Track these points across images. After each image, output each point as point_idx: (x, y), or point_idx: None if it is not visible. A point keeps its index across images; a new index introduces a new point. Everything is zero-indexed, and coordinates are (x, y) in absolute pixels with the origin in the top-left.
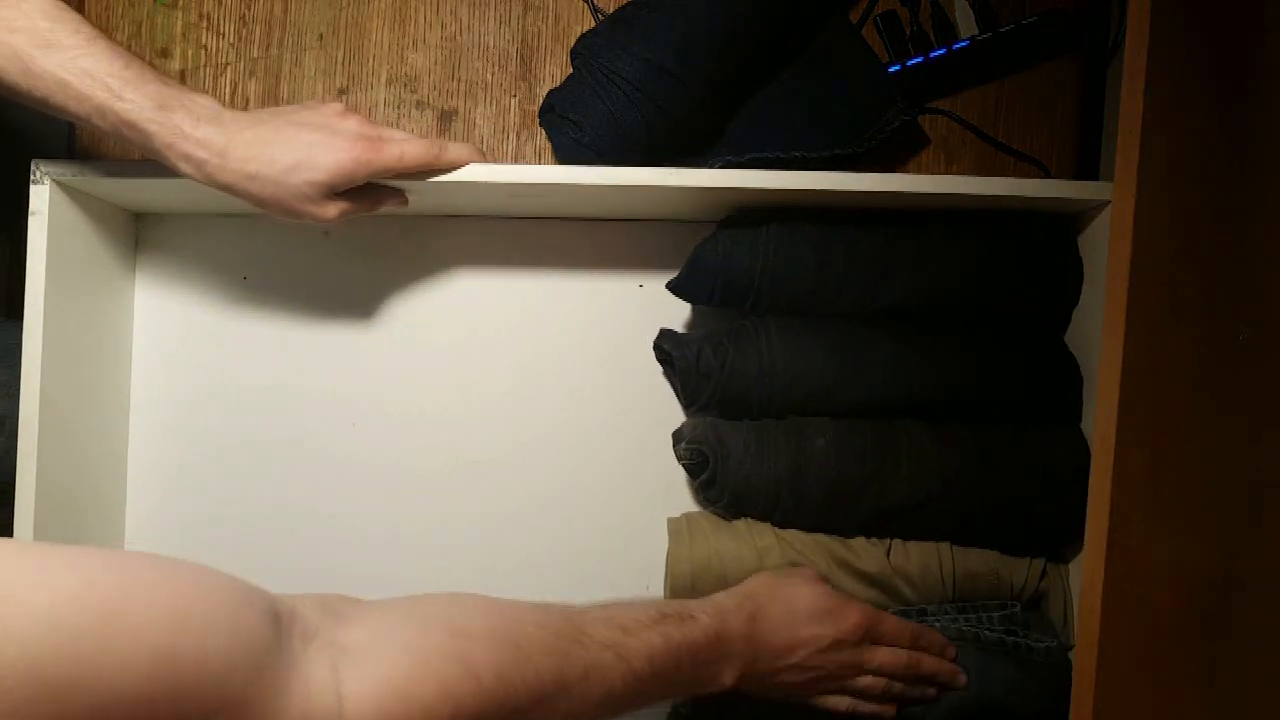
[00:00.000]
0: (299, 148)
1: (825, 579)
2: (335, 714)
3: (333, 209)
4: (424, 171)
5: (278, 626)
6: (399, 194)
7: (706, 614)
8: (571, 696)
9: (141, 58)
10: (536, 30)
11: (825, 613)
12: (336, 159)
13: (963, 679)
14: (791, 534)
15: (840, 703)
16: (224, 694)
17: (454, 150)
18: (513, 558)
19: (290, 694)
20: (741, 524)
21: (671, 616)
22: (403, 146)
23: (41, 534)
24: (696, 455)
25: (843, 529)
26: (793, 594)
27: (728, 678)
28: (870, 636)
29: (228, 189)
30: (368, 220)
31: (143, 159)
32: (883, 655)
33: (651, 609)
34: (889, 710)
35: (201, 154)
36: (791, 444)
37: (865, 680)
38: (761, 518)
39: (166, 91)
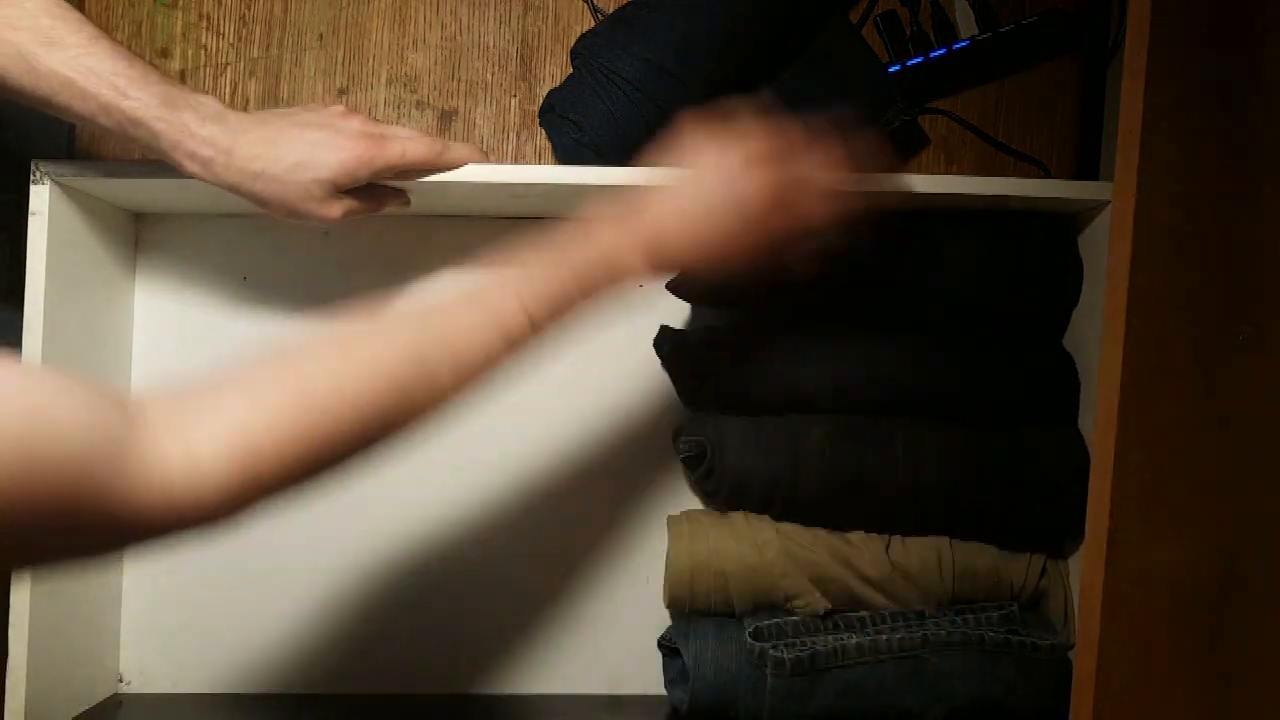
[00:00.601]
0: (303, 146)
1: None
2: (193, 470)
3: (337, 208)
4: (426, 169)
5: (125, 412)
6: (401, 194)
7: (578, 242)
8: (440, 374)
9: (142, 57)
10: (536, 30)
11: (730, 174)
12: (340, 157)
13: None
14: (791, 528)
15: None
16: (85, 476)
17: (456, 149)
18: (513, 556)
19: (147, 469)
20: (741, 520)
21: (540, 253)
22: (405, 144)
23: None
24: (695, 447)
25: (842, 523)
26: (696, 186)
27: (630, 276)
28: (800, 189)
29: (233, 188)
30: (367, 221)
31: (144, 159)
32: (818, 203)
33: (512, 254)
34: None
35: (208, 152)
36: (789, 436)
37: (805, 246)
38: (759, 510)
39: (172, 90)
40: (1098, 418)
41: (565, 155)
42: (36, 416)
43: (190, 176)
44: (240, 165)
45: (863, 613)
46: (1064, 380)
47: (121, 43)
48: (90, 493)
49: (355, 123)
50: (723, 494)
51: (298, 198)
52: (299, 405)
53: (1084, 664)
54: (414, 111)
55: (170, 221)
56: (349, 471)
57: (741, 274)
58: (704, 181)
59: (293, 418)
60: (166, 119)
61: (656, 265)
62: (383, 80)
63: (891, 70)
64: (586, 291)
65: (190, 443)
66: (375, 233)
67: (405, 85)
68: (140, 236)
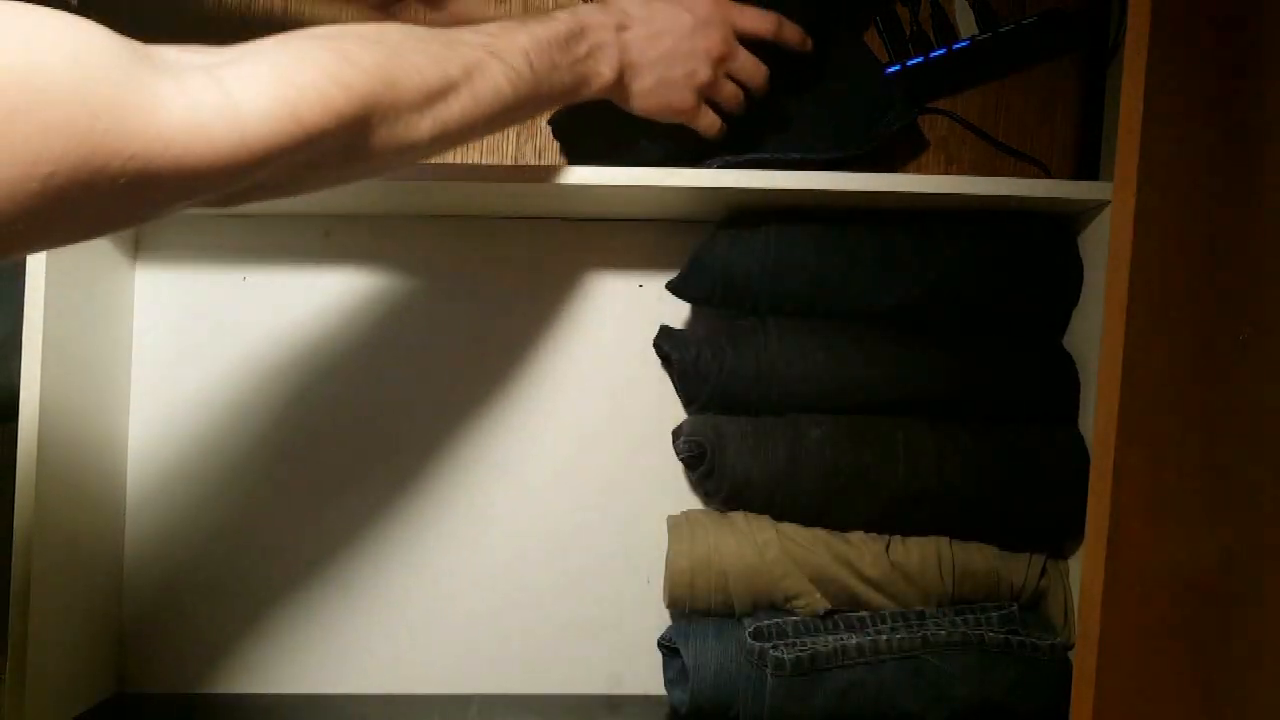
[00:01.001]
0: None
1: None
2: (226, 104)
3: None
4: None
5: (137, 52)
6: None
7: (565, 11)
8: (460, 93)
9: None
10: None
11: (685, 3)
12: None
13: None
14: (791, 528)
15: (715, 126)
16: (87, 100)
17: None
18: (513, 556)
19: (167, 100)
20: (741, 520)
21: (533, 18)
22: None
23: (41, 532)
24: (695, 448)
25: (841, 523)
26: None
27: (606, 68)
28: (736, 28)
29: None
30: (368, 220)
31: None
32: (745, 55)
33: (509, 20)
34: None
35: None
36: (788, 436)
37: (730, 88)
38: (759, 510)
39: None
40: (1097, 417)
41: (573, 157)
42: (32, 61)
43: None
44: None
45: (863, 613)
46: (1064, 380)
47: None
48: (112, 134)
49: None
50: (723, 494)
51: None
52: (338, 60)
53: (1084, 664)
54: None
55: (170, 221)
56: (379, 161)
57: (680, 96)
58: None
59: (334, 67)
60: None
61: (624, 84)
62: None
63: (891, 70)
64: (573, 59)
65: (225, 79)
66: (375, 233)
67: None
68: (140, 236)
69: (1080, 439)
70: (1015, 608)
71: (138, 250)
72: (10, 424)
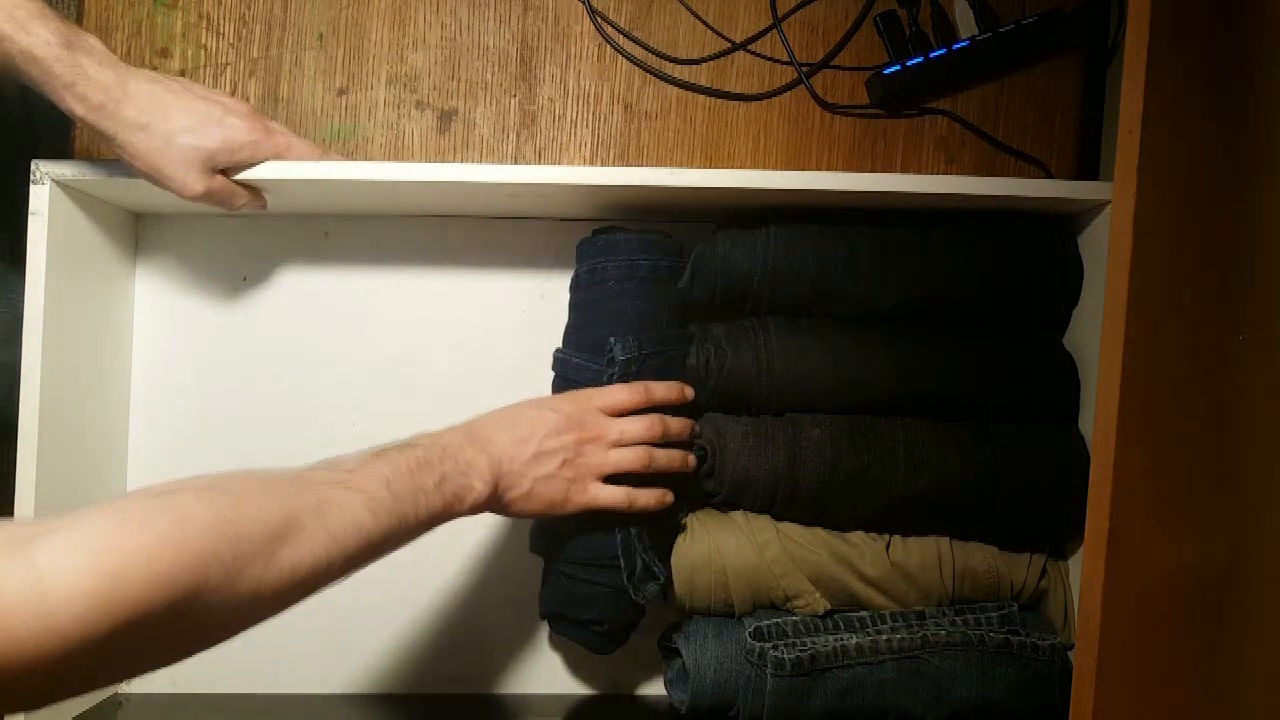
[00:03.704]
0: (196, 114)
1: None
2: (32, 584)
3: (202, 183)
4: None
5: None
6: (260, 196)
7: (424, 440)
8: (310, 533)
9: (141, 57)
10: (536, 30)
11: (541, 401)
12: (228, 134)
13: (694, 427)
14: (791, 528)
15: (616, 496)
16: None
17: (333, 158)
18: (513, 556)
19: None
20: (741, 519)
21: (389, 448)
22: (290, 139)
23: None
24: (696, 449)
25: (841, 523)
26: (512, 408)
27: (478, 483)
28: (600, 408)
29: (111, 136)
30: (368, 221)
31: None
32: (623, 422)
33: (366, 451)
34: (668, 496)
35: (99, 97)
36: (788, 435)
37: (621, 455)
38: (760, 509)
39: (70, 31)
40: (1097, 417)
41: None
42: None
43: (74, 119)
44: (128, 116)
45: (863, 613)
46: (1064, 380)
47: (121, 43)
48: None
49: (246, 108)
50: (723, 494)
51: (172, 161)
52: (172, 518)
53: (1084, 664)
54: (414, 111)
55: (170, 221)
56: (222, 622)
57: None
58: (523, 405)
59: (167, 528)
60: (65, 60)
61: (500, 496)
62: (382, 80)
63: (891, 70)
64: (438, 479)
65: (36, 560)
66: (374, 233)
67: (405, 85)
68: (140, 236)
69: (1080, 439)
70: (1015, 608)
71: (138, 250)
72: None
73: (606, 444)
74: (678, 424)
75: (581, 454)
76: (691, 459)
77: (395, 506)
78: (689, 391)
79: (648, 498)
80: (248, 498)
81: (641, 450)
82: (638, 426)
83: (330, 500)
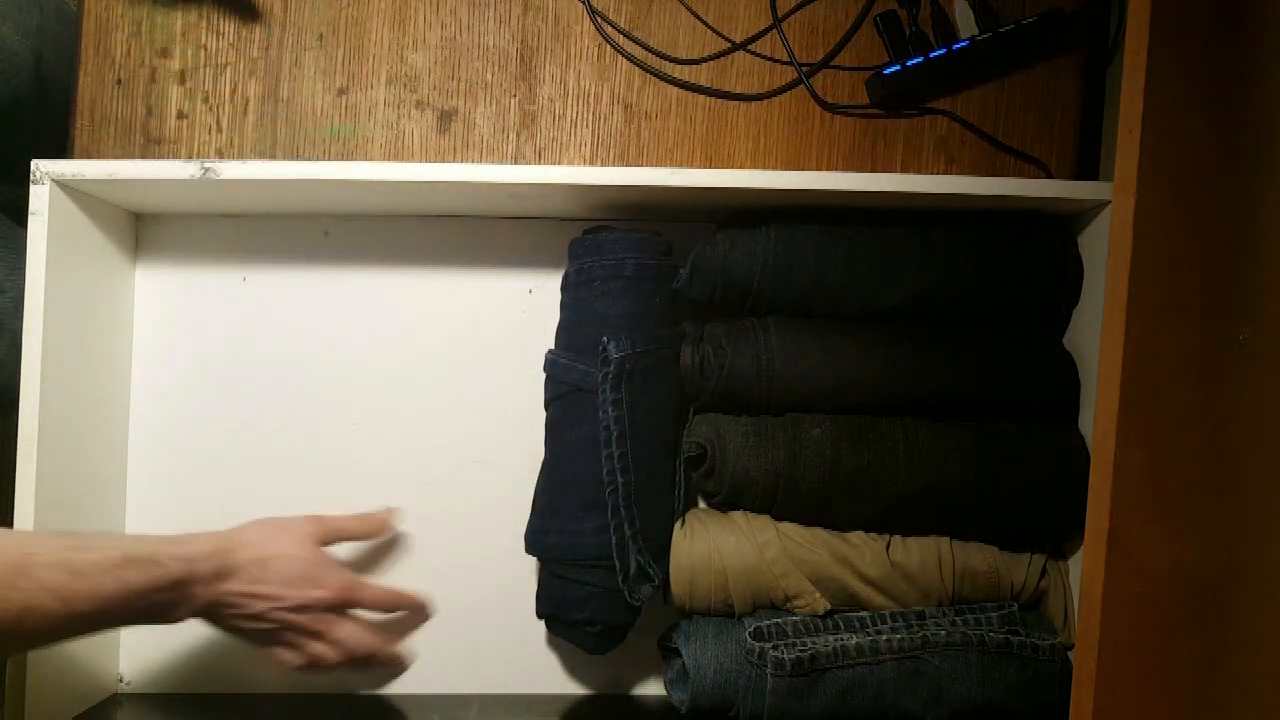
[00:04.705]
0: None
1: (320, 540)
2: None
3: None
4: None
5: None
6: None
7: (176, 561)
8: (5, 637)
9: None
10: (536, 30)
11: (298, 578)
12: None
13: (406, 663)
14: (791, 528)
15: (292, 658)
16: None
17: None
18: (513, 556)
19: None
20: (741, 519)
21: (136, 562)
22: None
23: None
24: (695, 448)
25: (841, 523)
26: (274, 552)
27: (181, 615)
28: (345, 605)
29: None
30: (367, 220)
31: (144, 158)
32: (347, 631)
33: (116, 551)
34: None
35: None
36: (788, 435)
37: (319, 648)
38: (760, 509)
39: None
40: (1097, 417)
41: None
42: None
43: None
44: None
45: (863, 613)
46: (1064, 380)
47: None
48: None
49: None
50: (723, 494)
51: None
52: None
53: (1084, 664)
54: (414, 111)
55: (170, 221)
56: None
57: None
58: (289, 555)
59: None
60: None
61: (215, 601)
62: (382, 80)
63: (891, 70)
64: (159, 607)
65: None
66: (375, 233)
67: (405, 85)
68: (140, 236)
69: (1080, 439)
70: (1015, 608)
71: (138, 250)
72: (11, 419)
73: (318, 637)
74: (386, 657)
75: (293, 633)
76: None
77: (95, 621)
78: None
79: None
80: None
81: (339, 654)
82: (356, 644)
83: (36, 610)
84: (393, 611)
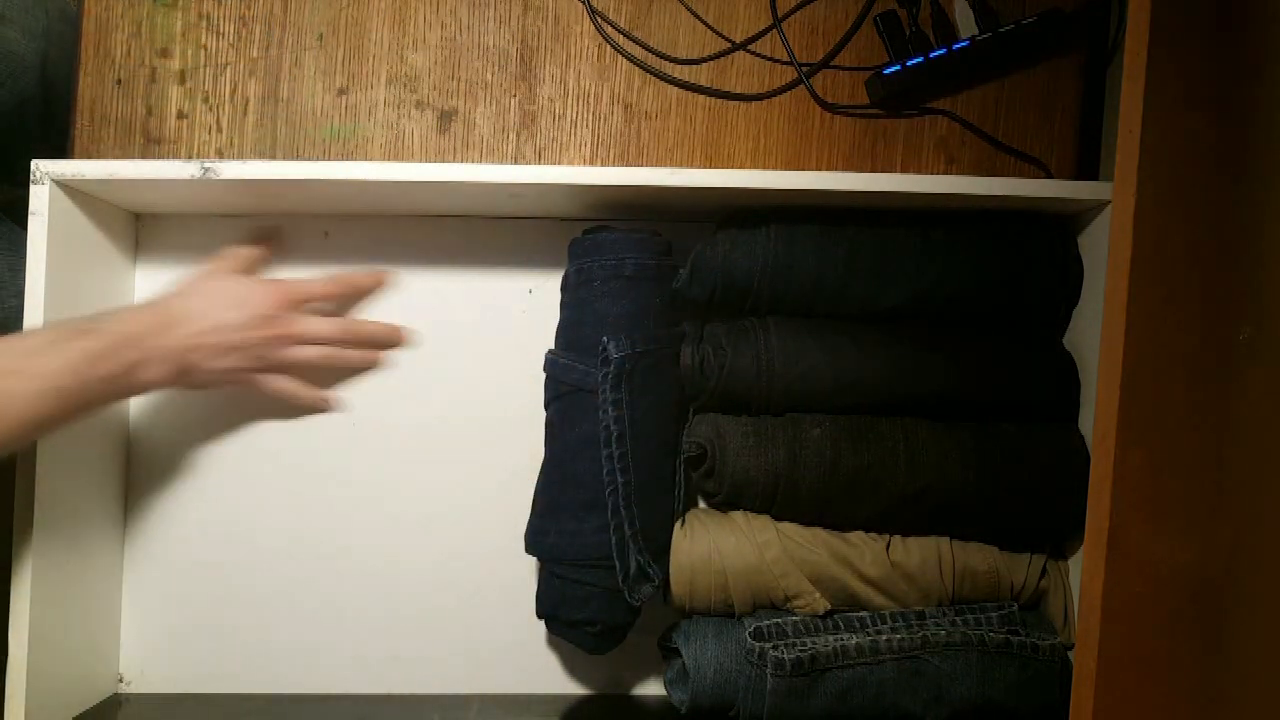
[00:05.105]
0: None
1: (282, 301)
2: None
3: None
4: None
5: None
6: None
7: (110, 323)
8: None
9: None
10: (536, 30)
11: (237, 300)
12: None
13: (402, 336)
14: (791, 528)
15: (284, 385)
16: None
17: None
18: (514, 556)
19: None
20: (740, 519)
21: (71, 333)
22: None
23: (42, 535)
24: (695, 448)
25: (841, 523)
26: (202, 290)
27: (158, 372)
28: (295, 301)
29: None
30: (368, 221)
31: (144, 158)
32: (313, 322)
33: (46, 333)
34: (329, 399)
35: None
36: (788, 435)
37: (305, 352)
38: (760, 509)
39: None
40: (1097, 417)
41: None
42: None
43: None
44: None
45: (863, 613)
46: (1064, 380)
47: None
48: None
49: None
50: (723, 494)
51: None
52: None
53: (1084, 664)
54: (414, 111)
55: (170, 221)
56: None
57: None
58: (217, 289)
59: None
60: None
61: (175, 380)
62: (382, 80)
63: (891, 70)
64: (112, 373)
65: None
66: (374, 233)
67: (405, 85)
68: (140, 236)
69: (1080, 439)
70: (1015, 608)
71: (138, 250)
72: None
73: (291, 342)
74: (371, 325)
75: (265, 350)
76: (380, 356)
77: (69, 396)
78: (387, 278)
79: (311, 395)
80: None
81: (328, 351)
82: (327, 328)
83: (3, 390)
84: (348, 297)
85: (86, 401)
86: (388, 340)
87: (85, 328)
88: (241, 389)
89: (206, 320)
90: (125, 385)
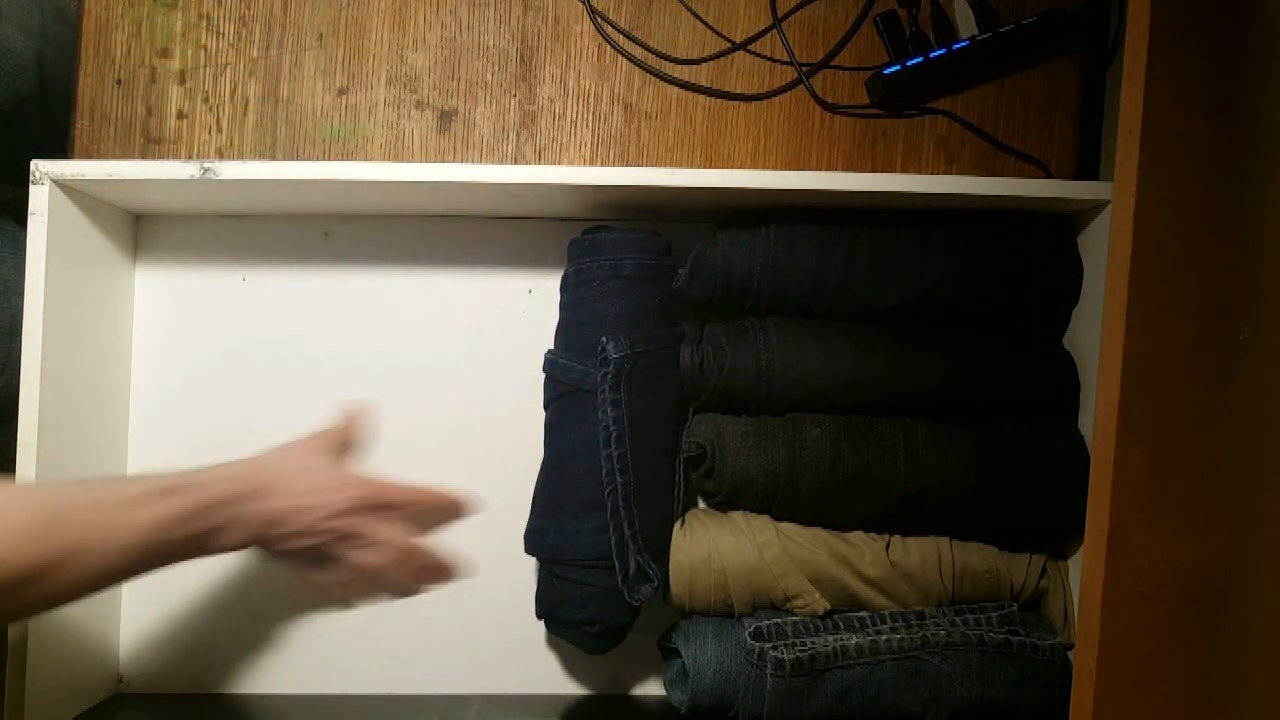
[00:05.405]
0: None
1: (327, 450)
2: None
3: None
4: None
5: None
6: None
7: (194, 487)
8: (57, 577)
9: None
10: (536, 30)
11: (327, 484)
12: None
13: (449, 576)
14: (791, 528)
15: (349, 579)
16: None
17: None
18: (513, 556)
19: None
20: (740, 519)
21: (162, 490)
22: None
23: None
24: (695, 448)
25: (841, 523)
26: (294, 465)
27: (231, 541)
28: (378, 503)
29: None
30: (368, 220)
31: (143, 159)
32: (384, 532)
33: (138, 486)
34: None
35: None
36: (788, 435)
37: (365, 556)
38: (760, 509)
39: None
40: (1097, 417)
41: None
42: None
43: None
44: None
45: (863, 613)
46: (1064, 380)
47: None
48: None
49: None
50: (722, 494)
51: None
52: None
53: (1084, 664)
54: (414, 111)
55: (170, 221)
56: None
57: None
58: (320, 466)
59: None
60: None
61: (265, 522)
62: (382, 80)
63: (891, 70)
64: (195, 534)
65: None
66: (375, 233)
67: (405, 85)
68: (140, 236)
69: (1080, 439)
70: (1015, 608)
71: (138, 250)
72: (10, 423)
73: (359, 544)
74: (429, 560)
75: (335, 543)
76: (422, 589)
77: (150, 553)
78: (471, 505)
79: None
80: (4, 539)
81: (390, 556)
82: (391, 549)
83: (80, 548)
84: (428, 511)
85: (165, 558)
86: (434, 577)
87: (176, 485)
88: (307, 572)
89: (301, 499)
90: (203, 547)
